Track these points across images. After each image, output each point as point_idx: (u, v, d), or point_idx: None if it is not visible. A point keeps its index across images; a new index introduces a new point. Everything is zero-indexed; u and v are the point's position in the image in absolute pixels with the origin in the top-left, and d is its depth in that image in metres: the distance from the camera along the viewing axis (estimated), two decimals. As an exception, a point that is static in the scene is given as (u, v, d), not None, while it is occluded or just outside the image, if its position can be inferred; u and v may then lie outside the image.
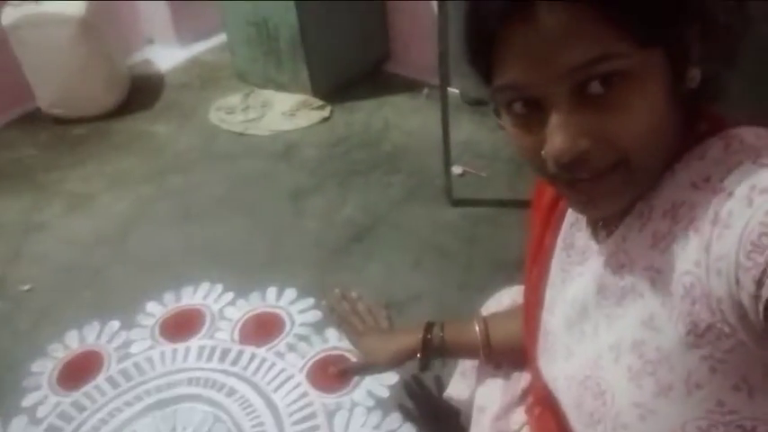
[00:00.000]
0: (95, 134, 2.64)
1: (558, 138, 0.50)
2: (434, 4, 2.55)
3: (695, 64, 0.52)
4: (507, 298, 1.09)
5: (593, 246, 0.65)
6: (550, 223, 0.74)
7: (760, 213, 0.44)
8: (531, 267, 0.78)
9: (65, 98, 2.64)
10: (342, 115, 2.58)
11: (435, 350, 1.02)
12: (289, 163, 2.37)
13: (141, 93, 2.86)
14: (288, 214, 2.12)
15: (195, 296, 1.82)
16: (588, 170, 0.52)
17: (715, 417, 0.52)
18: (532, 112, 0.52)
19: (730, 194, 0.47)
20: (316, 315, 1.72)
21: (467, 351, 1.02)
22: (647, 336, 0.55)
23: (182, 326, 1.73)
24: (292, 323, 1.71)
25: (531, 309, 0.78)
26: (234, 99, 2.74)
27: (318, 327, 1.69)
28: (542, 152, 0.52)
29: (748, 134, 0.52)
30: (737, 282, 0.45)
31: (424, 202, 2.11)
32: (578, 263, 0.68)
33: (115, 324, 1.76)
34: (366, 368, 1.16)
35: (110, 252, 2.03)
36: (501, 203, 2.07)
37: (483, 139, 2.36)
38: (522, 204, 2.06)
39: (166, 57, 3.11)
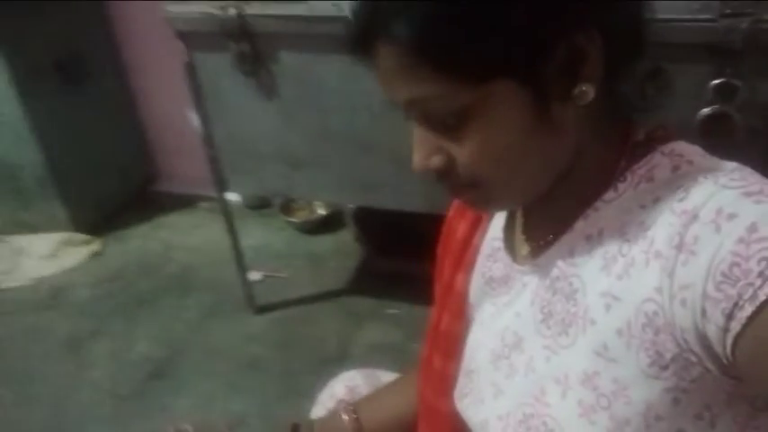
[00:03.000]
0: None
1: (414, 153, 0.54)
2: (194, 115, 2.52)
3: (580, 82, 0.48)
4: (341, 387, 1.00)
5: (516, 269, 0.63)
6: (462, 263, 0.71)
7: (730, 242, 0.42)
8: (439, 313, 0.75)
9: None
10: (114, 246, 2.34)
11: None
12: (58, 310, 2.05)
13: None
14: (68, 368, 1.81)
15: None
16: (449, 184, 0.55)
17: None
18: None
19: (695, 218, 0.45)
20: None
21: None
22: (601, 366, 0.51)
23: None
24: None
25: (441, 355, 0.74)
26: (-25, 253, 2.34)
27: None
28: None
29: (692, 153, 0.52)
30: (704, 313, 0.43)
31: (226, 316, 1.96)
32: (504, 293, 0.65)
33: None
34: None
35: None
36: (307, 300, 2.00)
37: (274, 240, 2.29)
38: (330, 296, 2.07)
39: None
